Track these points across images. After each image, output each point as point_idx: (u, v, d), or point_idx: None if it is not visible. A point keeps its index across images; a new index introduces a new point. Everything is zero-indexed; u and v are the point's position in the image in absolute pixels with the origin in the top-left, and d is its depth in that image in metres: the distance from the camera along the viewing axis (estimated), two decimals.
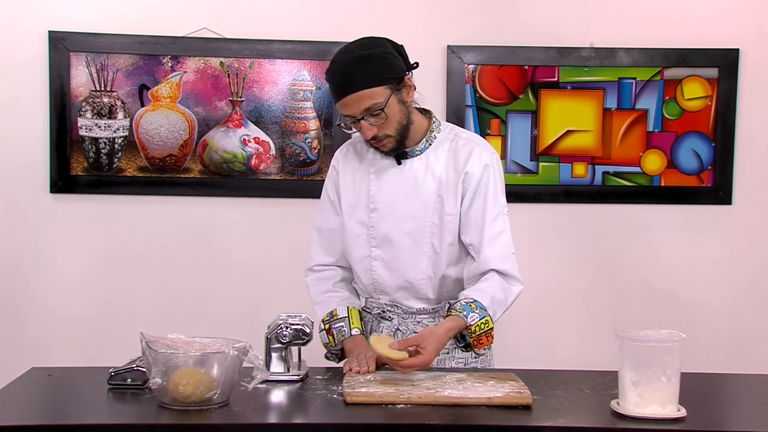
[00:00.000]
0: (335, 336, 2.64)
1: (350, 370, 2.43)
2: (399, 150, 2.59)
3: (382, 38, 2.56)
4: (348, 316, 2.65)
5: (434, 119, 2.65)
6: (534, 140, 3.79)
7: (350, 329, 2.63)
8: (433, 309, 2.65)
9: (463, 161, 2.58)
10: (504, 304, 2.53)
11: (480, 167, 2.57)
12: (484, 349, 2.54)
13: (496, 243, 2.56)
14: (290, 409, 2.29)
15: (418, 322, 2.65)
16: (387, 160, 2.63)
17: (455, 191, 2.58)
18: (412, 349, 2.37)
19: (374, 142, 2.55)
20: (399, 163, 2.62)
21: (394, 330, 2.67)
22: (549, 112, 3.80)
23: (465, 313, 2.45)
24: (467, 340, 2.50)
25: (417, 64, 2.60)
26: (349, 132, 2.61)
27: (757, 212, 3.86)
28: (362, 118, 2.49)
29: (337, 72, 2.49)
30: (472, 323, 2.45)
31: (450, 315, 2.48)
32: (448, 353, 2.64)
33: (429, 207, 2.59)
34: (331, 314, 2.66)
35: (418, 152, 2.61)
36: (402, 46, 2.58)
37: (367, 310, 2.73)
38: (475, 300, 2.48)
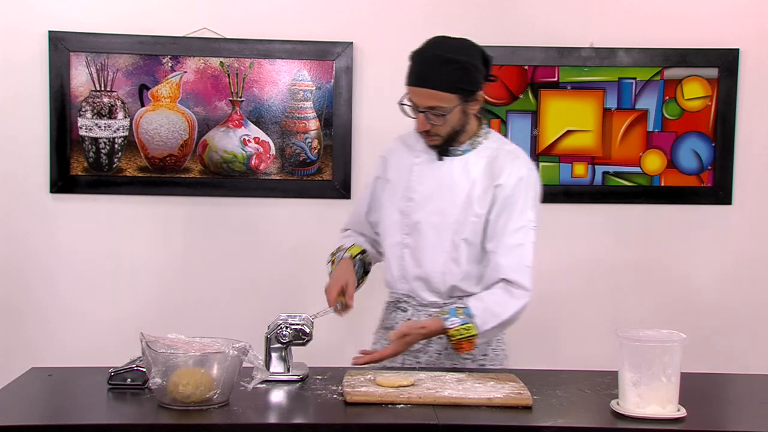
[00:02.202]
0: (335, 263, 2.82)
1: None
2: (443, 147, 2.70)
3: (478, 47, 2.65)
4: (349, 247, 2.84)
5: (484, 127, 2.74)
6: (534, 140, 3.79)
7: (344, 254, 2.79)
8: (443, 303, 2.70)
9: (498, 171, 2.66)
10: (498, 316, 2.58)
11: (513, 180, 2.65)
12: (467, 353, 2.63)
13: (512, 254, 2.62)
14: (290, 409, 2.29)
15: (429, 315, 2.70)
16: (431, 154, 2.73)
17: (484, 196, 2.66)
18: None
19: (423, 134, 2.67)
20: (440, 159, 2.71)
21: (405, 321, 2.73)
22: (549, 112, 3.80)
23: (447, 316, 2.55)
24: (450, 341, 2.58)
25: (495, 77, 2.75)
26: (407, 115, 2.69)
27: (757, 212, 3.86)
28: (423, 112, 2.60)
29: (422, 61, 2.61)
30: (450, 327, 2.53)
31: (435, 316, 2.60)
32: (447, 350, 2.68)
33: (457, 205, 2.67)
34: (338, 248, 2.87)
35: (459, 152, 2.71)
36: (492, 58, 2.68)
37: (388, 301, 2.85)
38: (466, 307, 2.57)
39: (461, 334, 2.53)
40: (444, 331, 2.55)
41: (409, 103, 2.65)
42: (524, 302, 2.60)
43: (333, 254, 2.85)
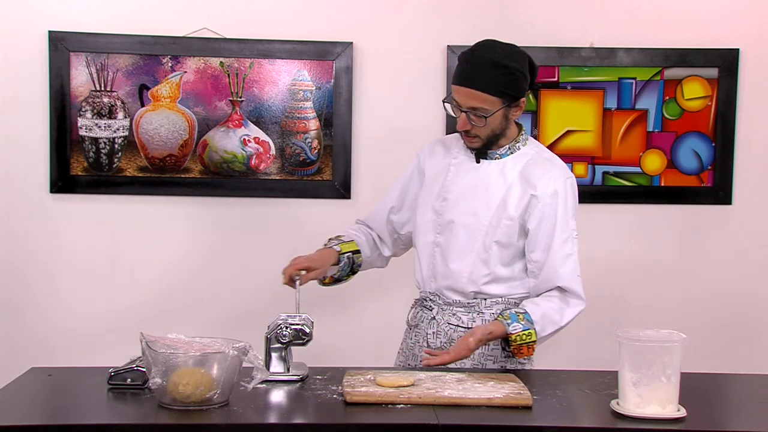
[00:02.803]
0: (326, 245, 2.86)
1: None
2: (482, 150, 2.72)
3: (526, 55, 2.69)
4: (345, 241, 2.85)
5: (523, 133, 2.77)
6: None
7: (336, 245, 2.81)
8: (468, 303, 2.73)
9: (535, 179, 2.69)
10: (557, 323, 2.64)
11: (550, 191, 2.68)
12: (525, 359, 2.66)
13: (566, 264, 2.67)
14: (290, 409, 2.29)
15: (454, 314, 2.74)
16: (468, 156, 2.76)
17: (519, 202, 2.68)
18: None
19: (463, 134, 2.70)
20: (477, 162, 2.74)
21: (430, 319, 2.77)
22: (549, 112, 3.80)
23: (510, 321, 2.58)
24: (510, 347, 2.61)
25: (539, 85, 2.82)
26: (449, 113, 2.73)
27: (757, 212, 3.86)
28: (465, 111, 2.62)
29: (470, 61, 2.63)
30: (513, 332, 2.57)
31: (496, 320, 2.61)
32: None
33: (491, 208, 2.70)
34: (337, 236, 2.89)
35: (497, 156, 2.74)
36: (537, 68, 2.72)
37: (416, 299, 2.87)
38: (526, 312, 2.60)
39: (522, 340, 2.57)
40: (506, 336, 2.57)
41: (451, 102, 2.67)
42: (579, 309, 2.67)
43: (330, 239, 2.87)
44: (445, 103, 2.71)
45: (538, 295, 2.69)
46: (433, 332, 2.74)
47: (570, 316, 2.65)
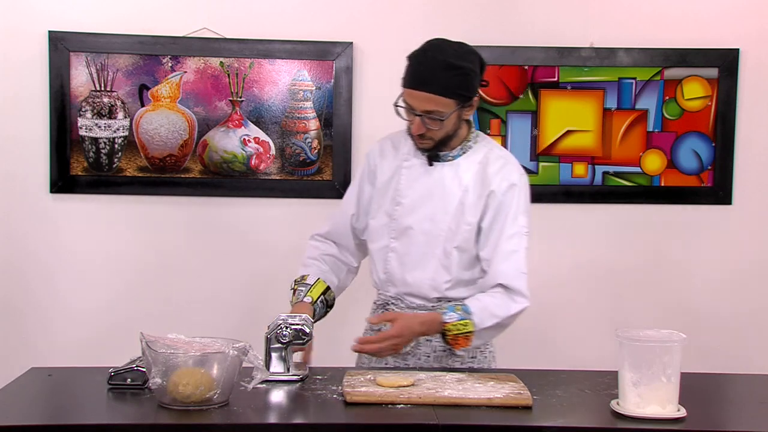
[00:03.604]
0: (295, 296, 2.73)
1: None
2: (433, 151, 2.66)
3: (476, 53, 2.63)
4: (312, 285, 2.73)
5: (473, 130, 2.72)
6: (534, 140, 3.79)
7: (305, 295, 2.71)
8: (432, 306, 2.69)
9: (491, 177, 2.65)
10: (497, 316, 2.58)
11: (505, 186, 2.64)
12: (462, 350, 2.60)
13: (508, 261, 2.62)
14: (290, 409, 2.29)
15: None
16: (420, 159, 2.70)
17: (477, 203, 2.65)
18: (386, 327, 2.57)
19: (417, 137, 2.64)
20: (430, 164, 2.69)
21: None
22: (549, 112, 3.80)
23: (445, 311, 2.55)
24: (445, 337, 2.57)
25: (487, 82, 2.74)
26: (401, 117, 2.65)
27: (757, 212, 3.86)
28: (419, 115, 2.56)
29: (422, 64, 2.57)
30: (448, 321, 2.54)
31: (432, 311, 2.60)
32: (444, 351, 2.68)
33: (449, 212, 2.66)
34: (303, 277, 2.77)
35: (450, 158, 2.69)
36: (486, 65, 2.66)
37: (376, 302, 2.82)
38: (464, 305, 2.57)
39: (458, 330, 2.54)
40: (441, 325, 2.54)
41: (404, 105, 2.61)
42: (523, 307, 2.61)
43: (296, 282, 2.76)
44: (397, 107, 2.62)
45: (483, 292, 2.64)
46: None
47: (513, 311, 2.59)
